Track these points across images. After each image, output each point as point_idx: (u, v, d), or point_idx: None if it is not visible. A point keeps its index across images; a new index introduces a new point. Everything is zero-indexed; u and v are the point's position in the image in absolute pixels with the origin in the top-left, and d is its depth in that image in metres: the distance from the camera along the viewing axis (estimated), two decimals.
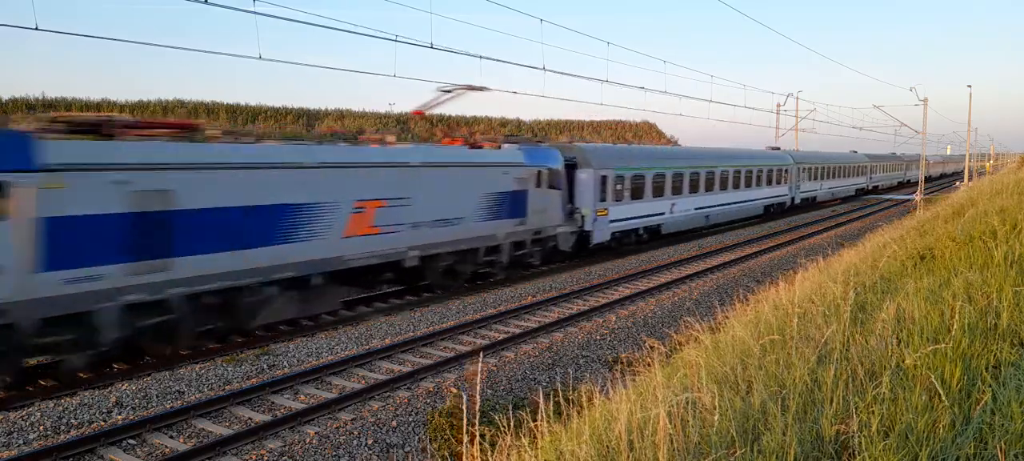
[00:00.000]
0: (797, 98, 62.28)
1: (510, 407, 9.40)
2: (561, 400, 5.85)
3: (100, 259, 10.91)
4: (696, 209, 30.62)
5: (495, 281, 20.21)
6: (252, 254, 13.07)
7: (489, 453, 4.60)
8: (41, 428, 9.57)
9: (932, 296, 6.43)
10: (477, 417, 4.18)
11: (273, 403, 10.74)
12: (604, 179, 23.96)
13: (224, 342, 13.75)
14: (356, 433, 9.71)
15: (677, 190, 28.80)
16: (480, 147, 20.23)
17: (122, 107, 52.64)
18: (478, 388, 4.56)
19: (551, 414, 5.27)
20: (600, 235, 24.04)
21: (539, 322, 15.60)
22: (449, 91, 19.48)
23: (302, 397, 11.04)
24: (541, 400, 5.12)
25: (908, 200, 51.91)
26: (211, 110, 57.26)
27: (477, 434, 4.24)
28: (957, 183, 61.65)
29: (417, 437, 9.70)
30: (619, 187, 24.84)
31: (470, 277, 19.44)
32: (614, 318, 16.09)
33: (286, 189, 13.65)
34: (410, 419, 10.24)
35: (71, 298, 10.61)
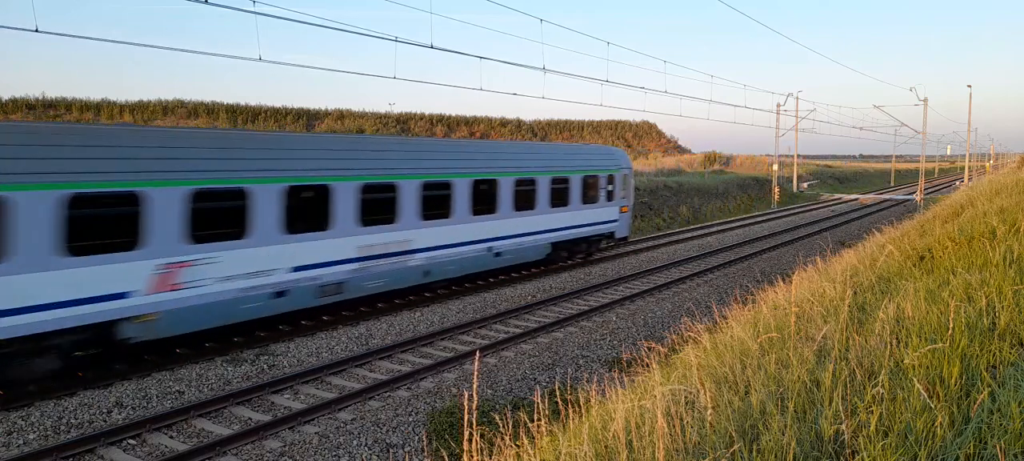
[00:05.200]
0: (797, 98, 62.27)
1: (509, 408, 9.42)
2: (560, 401, 5.86)
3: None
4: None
5: (496, 281, 20.16)
6: None
7: (487, 454, 4.61)
8: (41, 428, 9.57)
9: (931, 296, 6.43)
10: (475, 416, 4.20)
11: (273, 403, 10.74)
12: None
13: (224, 342, 13.75)
14: (356, 433, 9.71)
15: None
16: None
17: (122, 107, 52.66)
18: (475, 386, 4.57)
19: (549, 414, 5.27)
20: None
21: (539, 322, 15.61)
22: None
23: (302, 397, 11.04)
24: (539, 400, 5.13)
25: (909, 200, 51.94)
26: (211, 110, 57.26)
27: (476, 435, 4.24)
28: (957, 183, 61.66)
29: (417, 437, 9.70)
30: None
31: None
32: (614, 318, 16.10)
33: None
34: (410, 419, 10.24)
35: None
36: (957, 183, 61.38)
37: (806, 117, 59.86)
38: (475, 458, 4.26)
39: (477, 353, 5.33)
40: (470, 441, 4.24)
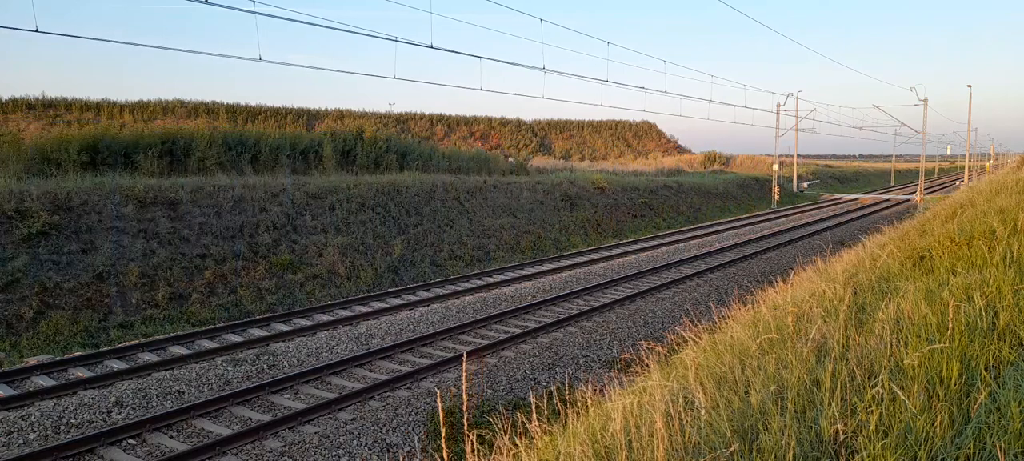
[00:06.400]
0: (797, 98, 62.28)
1: (505, 408, 9.42)
2: (558, 401, 5.85)
3: None
4: None
5: (495, 281, 20.17)
6: None
7: (484, 455, 4.61)
8: (41, 428, 9.57)
9: (931, 296, 6.43)
10: (465, 416, 4.19)
11: (273, 403, 10.74)
12: None
13: (224, 342, 13.75)
14: (356, 433, 9.71)
15: None
16: None
17: (122, 107, 52.62)
18: (464, 387, 4.56)
19: (548, 415, 5.27)
20: None
21: (539, 322, 15.61)
22: None
23: (302, 397, 11.04)
24: (536, 401, 5.11)
25: (908, 201, 51.96)
26: (211, 110, 57.24)
27: (473, 438, 4.24)
28: (957, 182, 61.68)
29: (417, 437, 9.71)
30: None
31: None
32: (614, 318, 16.09)
33: None
34: (410, 419, 10.24)
35: None
36: (957, 183, 61.38)
37: (806, 117, 59.87)
38: (471, 458, 4.26)
39: (464, 355, 5.31)
40: (454, 442, 4.24)
